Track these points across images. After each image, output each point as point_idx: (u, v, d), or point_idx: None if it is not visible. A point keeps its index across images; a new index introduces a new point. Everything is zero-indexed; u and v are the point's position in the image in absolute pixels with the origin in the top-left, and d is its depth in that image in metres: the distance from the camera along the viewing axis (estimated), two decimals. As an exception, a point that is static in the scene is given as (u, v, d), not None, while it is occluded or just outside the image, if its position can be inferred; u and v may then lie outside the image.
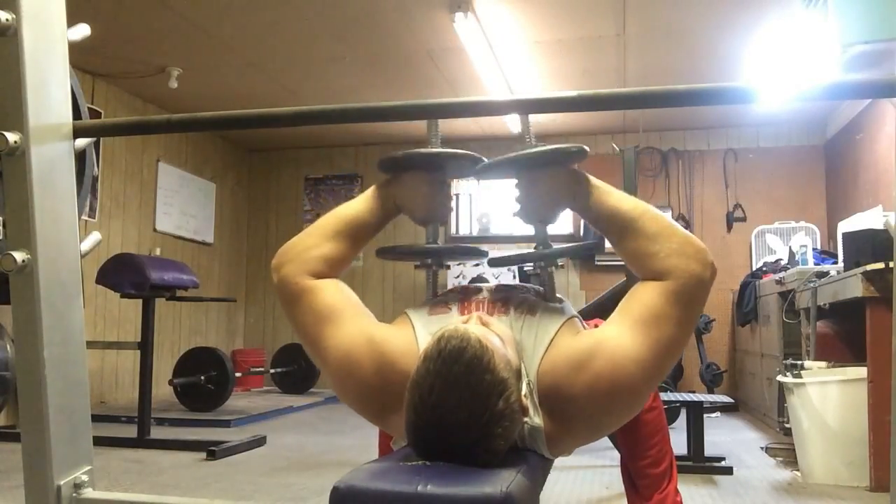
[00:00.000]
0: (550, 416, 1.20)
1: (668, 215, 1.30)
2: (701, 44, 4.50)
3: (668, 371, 1.24)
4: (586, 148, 1.30)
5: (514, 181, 1.36)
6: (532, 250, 1.39)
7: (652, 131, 6.28)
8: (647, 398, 1.27)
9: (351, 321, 1.28)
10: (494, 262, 1.47)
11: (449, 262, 1.59)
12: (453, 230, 6.82)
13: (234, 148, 7.05)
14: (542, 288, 1.42)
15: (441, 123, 1.44)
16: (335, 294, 1.32)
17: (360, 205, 1.39)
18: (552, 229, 1.43)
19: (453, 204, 1.38)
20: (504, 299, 1.34)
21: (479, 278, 6.31)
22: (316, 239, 1.36)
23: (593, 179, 1.30)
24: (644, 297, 1.21)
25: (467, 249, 1.58)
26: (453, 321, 1.22)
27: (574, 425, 1.21)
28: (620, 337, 1.18)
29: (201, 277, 4.84)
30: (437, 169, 1.39)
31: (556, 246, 1.38)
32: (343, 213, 1.38)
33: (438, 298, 1.39)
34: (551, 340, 1.23)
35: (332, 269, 1.35)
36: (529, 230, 1.40)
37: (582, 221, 6.11)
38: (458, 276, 6.55)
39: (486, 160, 1.40)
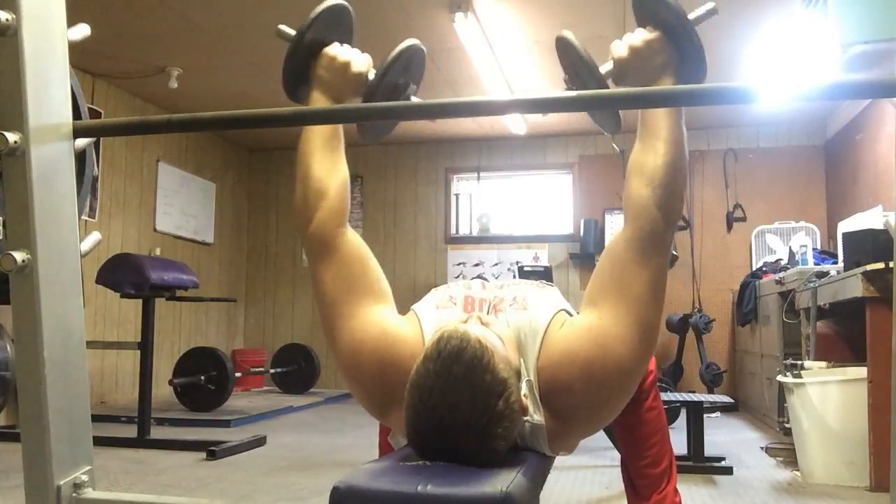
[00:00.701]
0: (552, 412, 1.21)
1: (683, 171, 1.27)
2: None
3: (654, 344, 1.24)
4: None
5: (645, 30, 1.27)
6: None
7: (652, 131, 6.27)
8: (639, 377, 1.29)
9: (368, 309, 1.30)
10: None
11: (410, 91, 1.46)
12: (453, 230, 6.82)
13: (234, 148, 7.05)
14: (541, 281, 1.42)
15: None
16: (360, 265, 1.34)
17: (316, 126, 1.38)
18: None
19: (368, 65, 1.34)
20: (502, 296, 1.35)
21: (479, 278, 6.30)
22: (317, 174, 1.36)
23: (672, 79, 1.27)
24: (612, 267, 1.25)
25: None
26: (454, 320, 1.22)
27: (575, 417, 1.23)
28: (603, 320, 1.21)
29: (201, 277, 4.85)
30: (314, 39, 1.37)
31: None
32: (309, 137, 1.38)
33: (443, 294, 1.40)
34: (544, 335, 1.25)
35: (345, 197, 1.38)
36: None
37: (582, 221, 6.15)
38: (458, 276, 6.55)
39: (336, 3, 1.36)
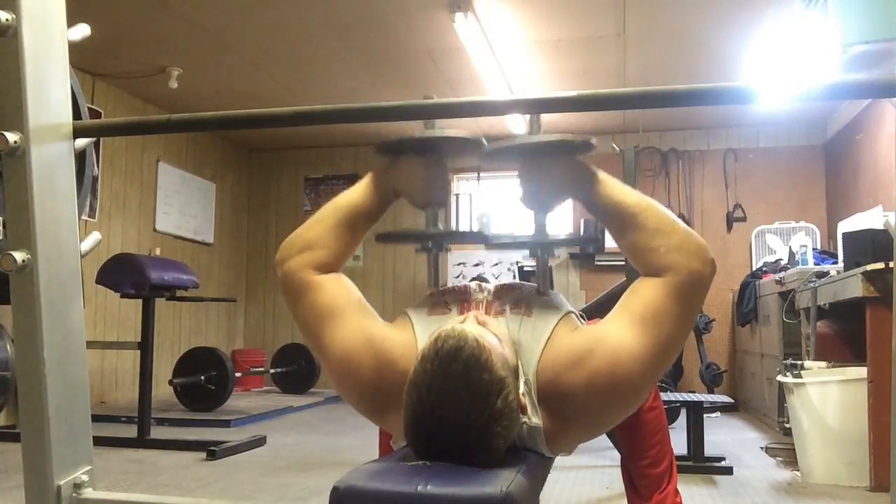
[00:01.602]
0: (549, 414, 1.20)
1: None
2: (701, 44, 4.49)
3: (666, 368, 1.24)
4: (593, 141, 1.29)
5: (518, 168, 1.34)
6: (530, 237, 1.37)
7: (652, 131, 6.27)
8: (645, 395, 1.27)
9: (352, 319, 1.29)
10: (492, 246, 1.45)
11: (449, 246, 1.57)
12: (453, 229, 6.82)
13: (234, 148, 7.05)
14: (536, 284, 1.41)
15: (441, 123, 1.43)
16: (337, 291, 1.32)
17: (358, 192, 1.38)
18: (552, 229, 1.42)
19: (453, 194, 1.36)
20: (502, 299, 1.34)
21: (480, 278, 6.31)
22: (317, 231, 1.36)
23: (599, 172, 1.29)
24: (643, 294, 1.22)
25: (467, 234, 1.57)
26: (452, 321, 1.22)
27: (573, 422, 1.22)
28: (619, 333, 1.19)
29: (201, 277, 4.84)
30: (434, 152, 1.37)
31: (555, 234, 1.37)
32: (342, 203, 1.38)
33: (437, 298, 1.39)
34: (549, 337, 1.23)
35: (336, 260, 1.35)
36: (529, 230, 1.39)
37: (582, 221, 6.15)
38: (458, 276, 6.55)
39: (485, 143, 1.37)
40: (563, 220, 6.50)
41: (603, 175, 1.29)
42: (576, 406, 1.19)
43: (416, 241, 1.50)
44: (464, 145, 1.38)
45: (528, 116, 1.30)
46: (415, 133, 1.35)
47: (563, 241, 1.38)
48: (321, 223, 1.37)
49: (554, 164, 1.29)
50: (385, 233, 1.44)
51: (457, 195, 6.91)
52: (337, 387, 1.32)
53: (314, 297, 1.31)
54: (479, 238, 1.49)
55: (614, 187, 1.28)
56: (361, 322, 1.29)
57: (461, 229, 6.87)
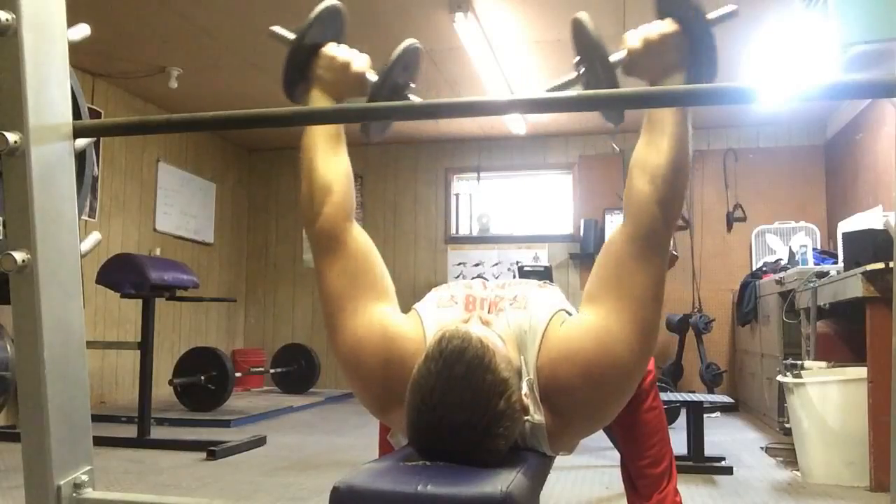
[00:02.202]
0: (551, 411, 1.20)
1: (685, 172, 1.27)
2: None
3: (653, 345, 1.24)
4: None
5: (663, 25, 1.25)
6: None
7: (652, 131, 6.27)
8: (640, 376, 1.28)
9: (370, 307, 1.29)
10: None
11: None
12: (453, 230, 6.83)
13: (234, 148, 7.05)
14: (544, 281, 1.42)
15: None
16: (366, 259, 1.34)
17: (316, 119, 1.38)
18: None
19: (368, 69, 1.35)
20: (502, 295, 1.35)
21: (479, 278, 6.30)
22: (320, 171, 1.36)
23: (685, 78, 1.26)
24: (610, 257, 1.25)
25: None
26: (456, 319, 1.22)
27: (575, 416, 1.23)
28: (602, 319, 1.20)
29: (201, 277, 4.85)
30: (316, 41, 1.38)
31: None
32: (313, 136, 1.38)
33: (444, 293, 1.40)
34: (543, 334, 1.24)
35: (349, 182, 1.39)
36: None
37: (582, 221, 6.15)
38: (458, 276, 6.55)
39: (333, 4, 1.37)
40: (563, 220, 6.50)
41: (667, 87, 1.24)
42: (576, 400, 1.20)
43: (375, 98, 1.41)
44: (337, 14, 1.38)
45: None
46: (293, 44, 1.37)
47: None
48: (316, 162, 1.37)
49: (690, 38, 1.24)
50: (364, 130, 1.44)
51: (457, 195, 6.92)
52: (344, 372, 1.33)
53: (345, 263, 1.32)
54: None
55: (678, 110, 1.26)
56: (378, 312, 1.30)
57: (458, 239, 6.87)
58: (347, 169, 1.40)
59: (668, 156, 1.23)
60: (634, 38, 1.25)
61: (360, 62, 1.38)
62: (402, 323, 1.31)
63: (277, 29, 1.39)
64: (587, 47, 1.24)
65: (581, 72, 1.26)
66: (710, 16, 1.23)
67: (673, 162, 1.23)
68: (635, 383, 1.28)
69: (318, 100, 1.39)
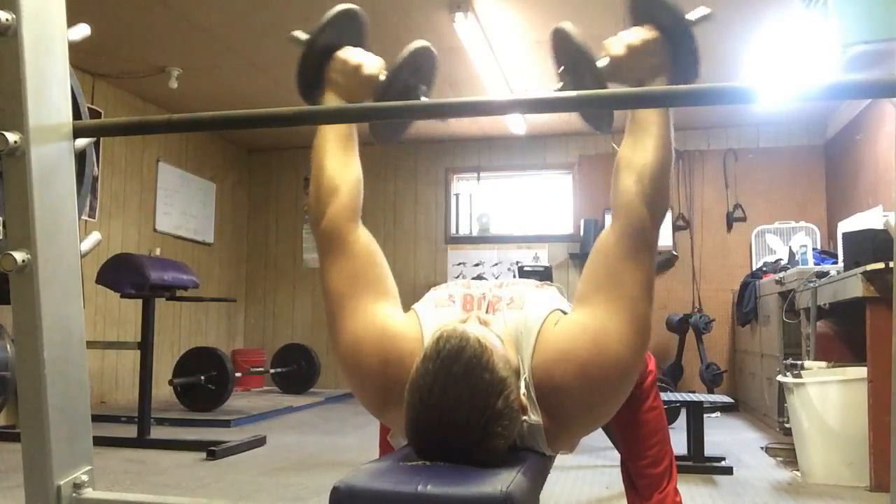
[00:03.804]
0: (548, 411, 1.20)
1: (667, 170, 1.28)
2: (701, 44, 4.48)
3: (647, 341, 1.24)
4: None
5: (635, 30, 1.29)
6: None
7: (652, 131, 6.27)
8: (637, 371, 1.29)
9: (370, 306, 1.30)
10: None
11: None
12: (453, 230, 6.83)
13: (234, 148, 7.05)
14: (538, 281, 1.42)
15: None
16: (368, 260, 1.35)
17: (327, 119, 1.40)
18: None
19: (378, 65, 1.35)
20: (499, 295, 1.35)
21: (479, 278, 6.30)
22: (329, 171, 1.38)
23: (666, 80, 1.28)
24: (599, 255, 1.26)
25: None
26: (454, 319, 1.23)
27: (572, 416, 1.22)
28: (596, 318, 1.20)
29: (201, 277, 4.84)
30: (333, 43, 1.39)
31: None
32: (325, 137, 1.40)
33: (442, 293, 1.41)
34: (538, 334, 1.24)
35: (357, 183, 1.40)
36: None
37: (582, 221, 6.15)
38: (458, 276, 6.55)
39: (347, 8, 1.38)
40: (563, 220, 6.50)
41: (667, 87, 1.27)
42: (572, 400, 1.20)
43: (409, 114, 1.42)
44: (353, 18, 1.39)
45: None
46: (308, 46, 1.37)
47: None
48: (325, 163, 1.39)
49: (671, 43, 1.27)
50: (375, 134, 1.45)
51: (457, 195, 6.92)
52: (343, 371, 1.33)
53: (348, 263, 1.33)
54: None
55: (660, 112, 1.27)
56: (378, 312, 1.30)
57: (458, 239, 6.87)
58: (356, 171, 1.42)
59: (653, 155, 1.25)
60: (617, 45, 1.27)
61: (372, 65, 1.39)
62: (401, 322, 1.32)
63: (296, 33, 1.39)
64: (574, 56, 1.25)
65: (566, 81, 1.27)
66: (689, 17, 1.24)
67: (658, 161, 1.24)
68: (632, 381, 1.28)
69: (332, 102, 1.40)
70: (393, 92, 1.34)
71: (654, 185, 1.23)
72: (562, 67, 1.30)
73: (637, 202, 1.23)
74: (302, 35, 1.39)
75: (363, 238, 1.37)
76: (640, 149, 1.26)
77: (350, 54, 1.39)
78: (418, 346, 1.24)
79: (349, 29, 1.41)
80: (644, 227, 1.23)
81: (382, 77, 1.37)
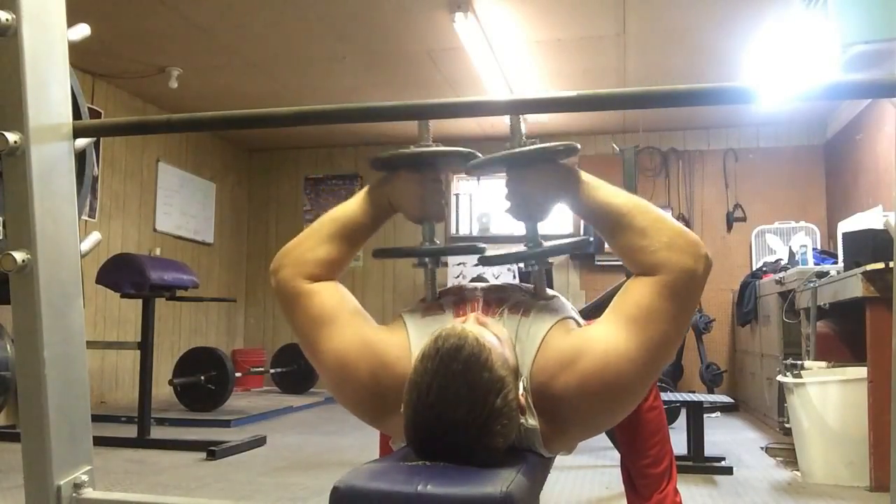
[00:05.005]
0: (544, 416, 1.19)
1: (668, 214, 1.28)
2: (701, 44, 4.50)
3: (662, 368, 1.22)
4: (577, 146, 1.28)
5: (504, 180, 1.34)
6: (523, 248, 1.36)
7: (652, 131, 6.28)
8: (642, 394, 1.25)
9: (346, 324, 1.28)
10: (486, 261, 1.42)
11: (446, 260, 1.56)
12: (453, 230, 6.82)
13: (234, 148, 7.05)
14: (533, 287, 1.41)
15: (441, 123, 1.44)
16: (331, 297, 1.32)
17: (354, 205, 1.38)
18: (551, 229, 1.42)
19: (451, 202, 1.36)
20: (498, 300, 1.33)
21: (479, 278, 6.28)
22: (313, 242, 1.35)
23: (584, 175, 1.28)
24: (636, 293, 1.20)
25: (462, 248, 1.57)
26: (448, 322, 1.22)
27: (568, 425, 1.21)
28: (610, 335, 1.18)
29: (201, 277, 4.84)
30: (427, 166, 1.38)
31: (548, 244, 1.35)
32: (339, 215, 1.38)
33: (432, 300, 1.39)
34: (542, 340, 1.22)
35: (330, 271, 1.35)
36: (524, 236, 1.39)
37: (582, 221, 6.14)
38: (458, 276, 6.54)
39: (476, 156, 1.38)
40: (562, 219, 6.50)
41: (589, 178, 1.27)
42: (569, 409, 1.18)
43: (413, 256, 1.48)
44: (456, 159, 1.38)
45: (509, 122, 1.30)
46: (409, 148, 1.36)
47: (556, 248, 1.36)
48: (317, 235, 1.36)
49: (538, 172, 1.29)
50: (381, 249, 1.44)
51: (456, 195, 6.91)
52: (334, 393, 1.31)
53: (308, 304, 1.30)
54: (472, 251, 1.47)
55: (600, 189, 1.26)
56: (355, 327, 1.28)
57: (457, 239, 6.87)
58: (340, 266, 1.37)
59: (646, 219, 1.23)
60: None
61: (430, 209, 1.39)
62: (382, 332, 1.30)
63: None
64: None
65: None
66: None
67: (656, 219, 1.23)
68: (636, 402, 1.26)
69: (381, 199, 1.40)
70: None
71: (674, 230, 1.22)
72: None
73: (671, 253, 1.19)
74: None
75: (325, 284, 1.33)
76: (633, 230, 1.24)
77: (426, 187, 1.38)
78: (404, 350, 1.23)
79: (452, 165, 1.43)
80: (695, 273, 1.19)
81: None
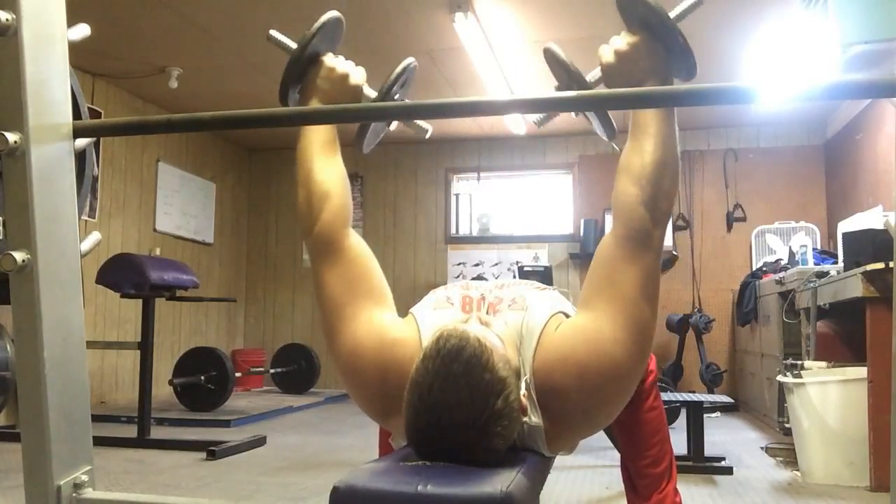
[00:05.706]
0: (547, 413, 1.20)
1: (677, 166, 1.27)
2: (701, 44, 4.47)
3: (649, 345, 1.23)
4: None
5: (629, 35, 1.29)
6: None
7: (652, 131, 6.27)
8: (638, 377, 1.27)
9: (367, 314, 1.30)
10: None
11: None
12: (453, 230, 6.83)
13: (234, 148, 7.05)
14: (539, 282, 1.42)
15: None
16: (362, 270, 1.35)
17: (310, 128, 1.41)
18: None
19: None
20: (500, 296, 1.35)
21: (479, 278, 6.30)
22: (317, 178, 1.38)
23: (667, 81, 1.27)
24: (601, 261, 1.25)
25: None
26: (454, 320, 1.22)
27: (571, 419, 1.22)
28: (595, 321, 1.20)
29: (201, 277, 4.85)
30: (317, 50, 1.40)
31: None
32: (309, 143, 1.40)
33: (440, 295, 1.41)
34: (539, 336, 1.24)
35: (346, 186, 1.41)
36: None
37: (582, 221, 6.15)
38: (458, 276, 6.55)
39: (339, 17, 1.40)
40: (563, 220, 6.50)
41: (667, 87, 1.26)
42: (571, 403, 1.20)
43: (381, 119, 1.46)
44: (339, 26, 1.40)
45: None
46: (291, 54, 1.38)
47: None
48: (313, 168, 1.39)
49: (659, 51, 1.26)
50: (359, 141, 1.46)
51: (457, 195, 6.92)
52: (342, 378, 1.33)
53: (343, 269, 1.33)
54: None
55: (662, 114, 1.26)
56: (375, 317, 1.30)
57: (458, 239, 6.87)
58: (344, 176, 1.42)
59: (652, 156, 1.23)
60: (607, 53, 1.29)
61: (357, 75, 1.42)
62: (399, 328, 1.31)
63: (276, 34, 1.40)
64: (564, 73, 1.26)
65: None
66: (674, 13, 1.23)
67: (657, 162, 1.23)
68: (633, 385, 1.27)
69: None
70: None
71: (654, 185, 1.22)
72: (556, 85, 1.32)
73: (635, 204, 1.22)
74: (285, 39, 1.40)
75: (357, 243, 1.37)
76: (637, 150, 1.25)
77: (336, 63, 1.41)
78: (417, 350, 1.23)
79: (332, 36, 1.43)
80: (643, 229, 1.21)
81: (367, 89, 1.42)
